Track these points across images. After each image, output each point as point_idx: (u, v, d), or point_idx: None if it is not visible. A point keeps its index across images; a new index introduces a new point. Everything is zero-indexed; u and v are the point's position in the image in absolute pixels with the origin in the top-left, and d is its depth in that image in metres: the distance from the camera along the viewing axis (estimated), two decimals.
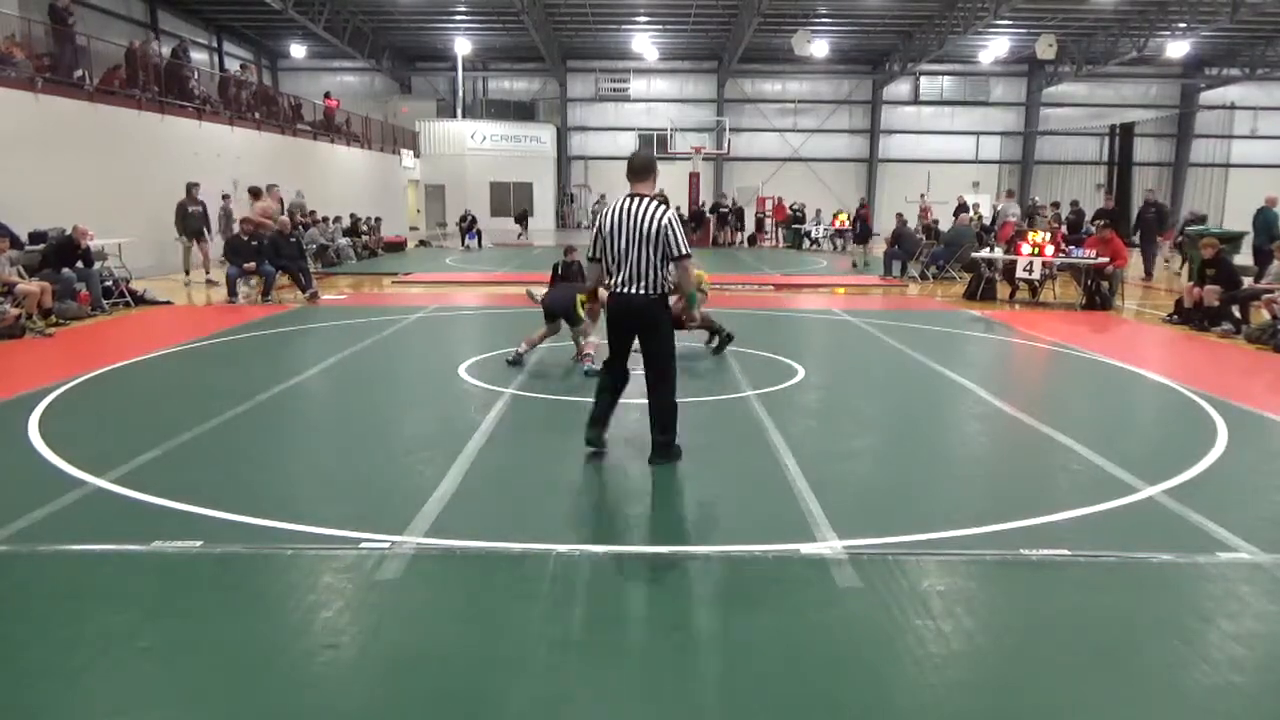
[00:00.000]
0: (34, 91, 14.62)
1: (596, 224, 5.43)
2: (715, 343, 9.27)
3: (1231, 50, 34.30)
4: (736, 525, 4.57)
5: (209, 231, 16.32)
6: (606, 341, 5.60)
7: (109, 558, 4.05)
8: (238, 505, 4.64)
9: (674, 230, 5.18)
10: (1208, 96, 37.80)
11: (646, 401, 5.51)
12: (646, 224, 5.14)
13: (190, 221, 15.80)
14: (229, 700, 2.94)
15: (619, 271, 5.27)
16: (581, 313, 8.17)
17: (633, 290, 5.25)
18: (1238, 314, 11.47)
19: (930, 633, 3.40)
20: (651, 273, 5.21)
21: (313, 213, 21.43)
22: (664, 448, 5.46)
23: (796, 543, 4.24)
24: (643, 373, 5.45)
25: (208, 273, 15.87)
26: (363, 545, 4.18)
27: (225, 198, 17.50)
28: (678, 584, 3.85)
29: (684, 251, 5.21)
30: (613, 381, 5.65)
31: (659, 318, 5.36)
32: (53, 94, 15.07)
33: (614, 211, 5.28)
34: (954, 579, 3.90)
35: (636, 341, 5.44)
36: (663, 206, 5.23)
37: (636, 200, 5.23)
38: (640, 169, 5.34)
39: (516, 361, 8.42)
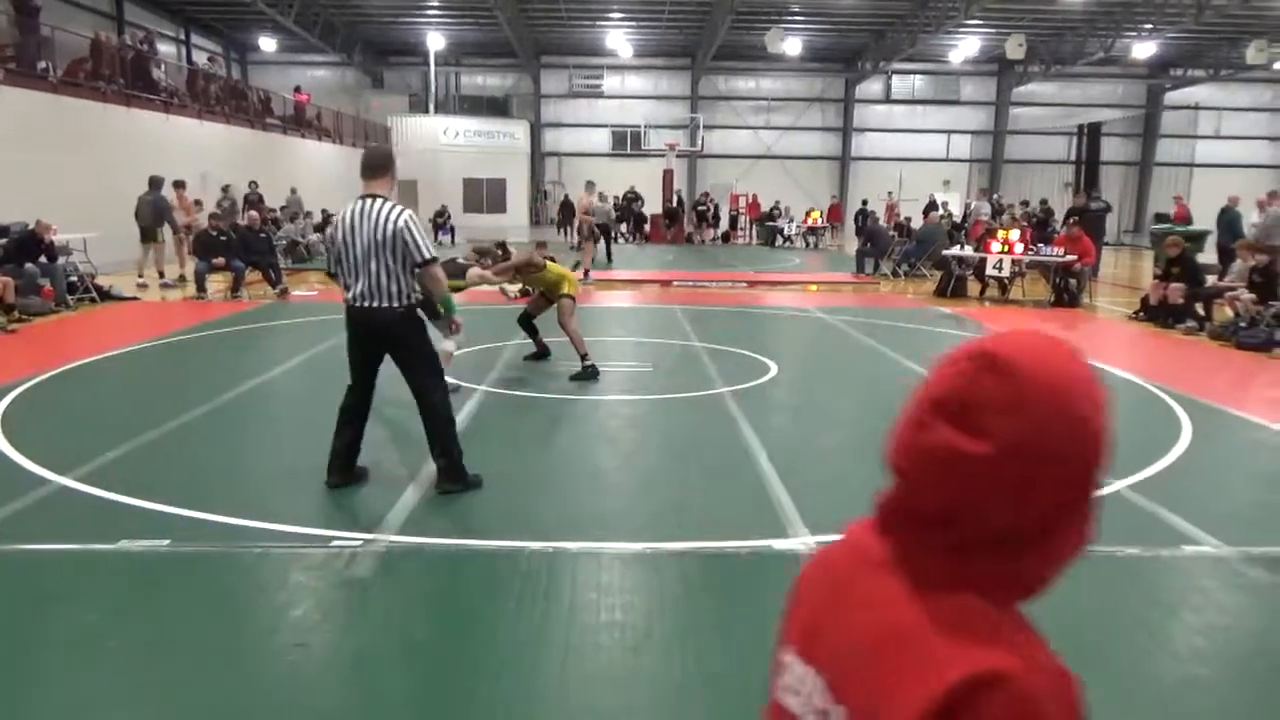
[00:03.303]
0: None
1: (330, 235, 4.88)
2: (578, 369, 7.87)
3: (1196, 51, 34.79)
4: (710, 521, 4.58)
5: (166, 229, 15.60)
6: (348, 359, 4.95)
7: (74, 557, 3.99)
8: (206, 503, 4.59)
9: (412, 232, 4.60)
10: (1173, 97, 38.33)
11: (606, 398, 5.46)
12: (382, 227, 4.56)
13: (157, 217, 15.34)
14: (197, 700, 2.91)
15: (356, 283, 4.66)
16: (440, 308, 7.42)
17: (374, 304, 4.66)
18: (1202, 311, 11.67)
19: None
20: (394, 283, 4.63)
21: (284, 207, 21.23)
22: (450, 471, 4.87)
23: (769, 538, 4.26)
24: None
25: (161, 275, 14.93)
26: (334, 543, 4.15)
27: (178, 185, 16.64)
28: (651, 581, 3.85)
29: (427, 255, 4.66)
30: (354, 413, 4.95)
31: (409, 334, 4.78)
32: (15, 86, 14.79)
33: (346, 217, 4.68)
34: None
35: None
36: (398, 207, 4.66)
37: (370, 202, 4.64)
38: (374, 166, 4.74)
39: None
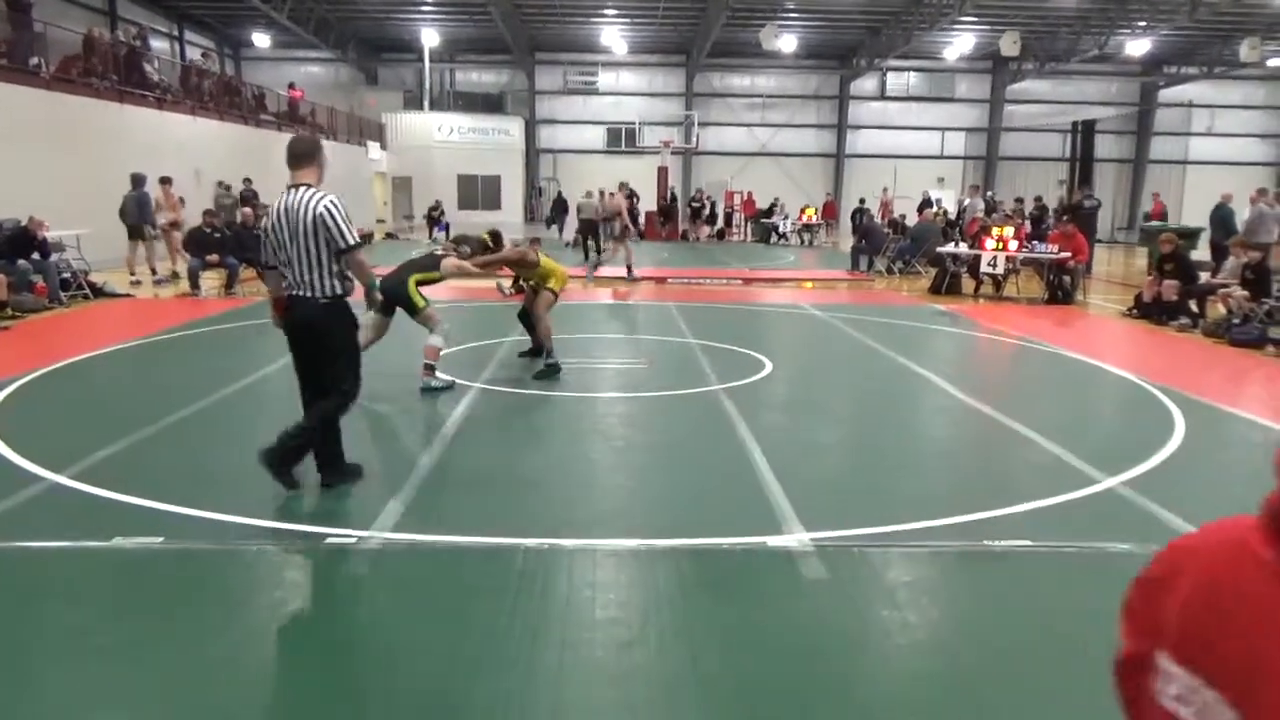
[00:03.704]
0: None
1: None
2: (540, 366, 7.91)
3: (1190, 49, 34.86)
4: (704, 518, 4.58)
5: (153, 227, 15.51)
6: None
7: (67, 554, 3.98)
8: (200, 501, 4.57)
9: (334, 217, 4.48)
10: (1166, 94, 38.40)
11: (601, 395, 5.45)
12: (303, 214, 4.47)
13: (141, 214, 15.19)
14: (190, 698, 2.90)
15: (288, 274, 4.59)
16: (419, 299, 7.23)
17: (299, 294, 4.57)
18: (1195, 308, 11.71)
19: (896, 624, 3.43)
20: (316, 272, 4.52)
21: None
22: (285, 456, 4.61)
23: (763, 535, 4.26)
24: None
25: (154, 272, 14.90)
26: (328, 540, 4.15)
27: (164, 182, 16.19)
28: (645, 577, 3.85)
29: (350, 241, 4.54)
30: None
31: (331, 327, 4.62)
32: (7, 82, 14.73)
33: (275, 207, 4.62)
34: (919, 570, 3.95)
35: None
36: (320, 193, 4.56)
37: (297, 190, 4.56)
38: (299, 154, 4.66)
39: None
